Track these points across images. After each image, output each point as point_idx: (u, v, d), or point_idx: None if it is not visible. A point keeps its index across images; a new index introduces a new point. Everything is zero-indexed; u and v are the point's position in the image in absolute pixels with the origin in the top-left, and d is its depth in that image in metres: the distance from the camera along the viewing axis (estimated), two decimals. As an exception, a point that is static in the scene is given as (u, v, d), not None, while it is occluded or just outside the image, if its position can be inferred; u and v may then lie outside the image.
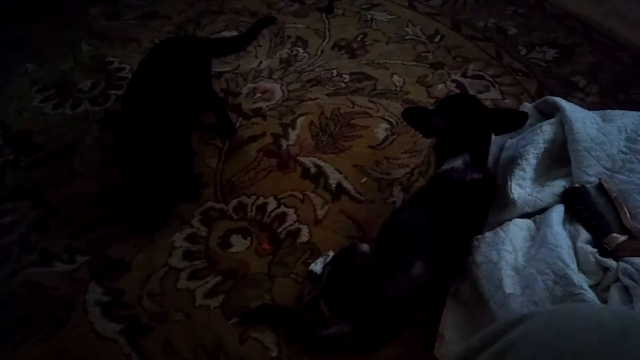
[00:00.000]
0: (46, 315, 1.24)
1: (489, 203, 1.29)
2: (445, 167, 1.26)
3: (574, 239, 1.14)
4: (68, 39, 2.18)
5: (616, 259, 1.08)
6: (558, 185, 1.27)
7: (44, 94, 1.90)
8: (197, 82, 1.57)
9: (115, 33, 2.21)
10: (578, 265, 1.08)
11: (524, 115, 1.30)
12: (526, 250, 1.14)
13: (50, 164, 1.63)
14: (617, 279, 1.05)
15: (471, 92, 1.84)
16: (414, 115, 1.31)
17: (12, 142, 1.71)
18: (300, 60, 2.03)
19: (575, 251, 1.11)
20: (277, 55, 2.05)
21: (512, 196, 1.25)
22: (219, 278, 1.31)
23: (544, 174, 1.33)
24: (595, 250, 1.10)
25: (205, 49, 1.65)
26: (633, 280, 1.01)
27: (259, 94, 1.87)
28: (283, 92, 1.88)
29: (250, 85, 1.91)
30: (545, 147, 1.33)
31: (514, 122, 1.30)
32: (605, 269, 1.07)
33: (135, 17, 2.31)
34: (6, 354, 1.18)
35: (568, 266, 1.04)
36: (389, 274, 1.11)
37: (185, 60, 1.54)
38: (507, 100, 1.80)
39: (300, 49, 2.08)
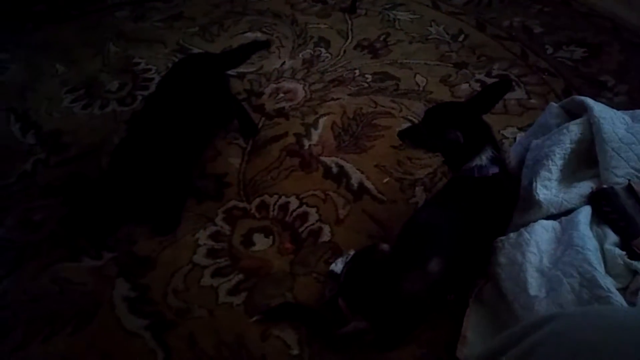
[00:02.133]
0: (74, 310, 1.28)
1: (512, 200, 1.28)
2: (467, 165, 1.24)
3: (601, 241, 1.11)
4: (96, 40, 2.23)
5: (646, 262, 1.05)
6: (585, 187, 1.24)
7: (73, 94, 1.96)
8: (217, 99, 1.61)
9: (142, 35, 2.26)
10: (605, 267, 1.06)
11: (505, 82, 1.29)
12: (551, 252, 1.12)
13: (79, 163, 1.67)
14: (647, 283, 1.03)
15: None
16: (425, 141, 1.31)
17: (44, 142, 1.76)
18: (323, 61, 2.03)
19: (603, 254, 1.09)
20: (300, 55, 2.07)
21: (537, 197, 1.23)
22: (241, 276, 1.32)
23: (570, 175, 1.31)
24: (623, 252, 1.07)
25: (221, 64, 1.69)
26: (663, 284, 0.98)
27: (281, 94, 1.89)
28: (305, 92, 1.89)
29: (273, 85, 1.93)
30: (572, 148, 1.30)
31: (496, 92, 1.28)
32: (634, 272, 1.04)
33: (161, 19, 2.35)
34: (36, 348, 1.21)
35: (595, 269, 1.02)
36: (405, 269, 1.11)
37: (203, 80, 1.57)
38: (532, 100, 1.77)
39: (322, 49, 2.09)
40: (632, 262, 1.04)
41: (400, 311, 1.11)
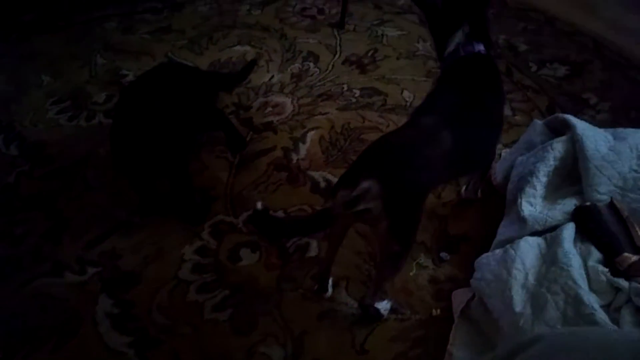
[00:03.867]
0: (56, 326, 1.25)
1: (500, 85, 1.27)
2: (449, 49, 1.23)
3: (585, 258, 1.13)
4: (84, 52, 2.22)
5: (628, 279, 1.07)
6: (569, 204, 1.26)
7: (59, 105, 1.93)
8: (194, 108, 1.58)
9: (130, 47, 2.25)
10: (589, 284, 1.07)
11: None
12: (537, 269, 1.13)
13: (64, 176, 1.65)
14: (630, 300, 1.04)
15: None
16: None
17: (27, 153, 1.73)
18: (312, 75, 2.05)
19: (587, 270, 1.10)
20: (289, 69, 2.08)
21: (522, 214, 1.25)
22: (227, 292, 1.31)
23: (554, 191, 1.33)
24: (606, 269, 1.09)
25: (207, 80, 1.70)
26: (645, 301, 1.00)
27: (270, 108, 1.89)
28: (294, 106, 1.89)
29: (261, 99, 1.93)
30: (555, 165, 1.33)
31: None
32: (617, 289, 1.06)
33: (150, 32, 2.35)
34: (16, 364, 1.19)
35: (579, 286, 1.03)
36: (423, 139, 1.10)
37: (178, 87, 1.54)
38: (517, 117, 1.80)
39: (311, 64, 2.10)
40: (615, 279, 1.06)
41: (414, 177, 1.05)
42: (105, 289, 1.33)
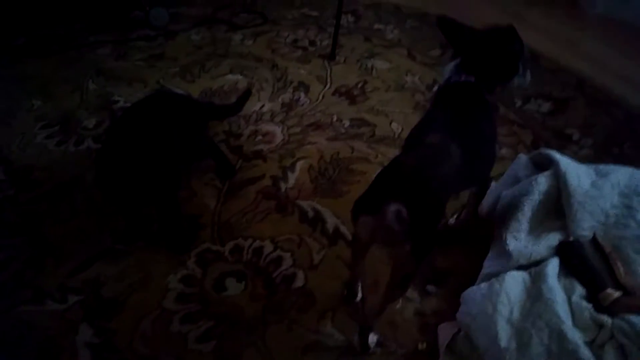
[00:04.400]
0: (34, 356, 1.22)
1: (487, 107, 1.33)
2: (444, 77, 1.33)
3: (569, 294, 1.14)
4: (75, 77, 2.23)
5: (612, 315, 1.08)
6: (553, 238, 1.27)
7: (48, 130, 1.93)
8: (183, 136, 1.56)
9: (122, 73, 2.27)
10: (573, 320, 1.08)
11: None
12: (522, 303, 1.14)
13: (51, 200, 1.63)
14: (613, 336, 1.05)
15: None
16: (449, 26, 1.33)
17: (14, 178, 1.72)
18: (302, 105, 2.07)
19: (571, 306, 1.11)
20: (280, 99, 2.10)
21: (507, 248, 1.26)
22: (211, 322, 1.29)
23: (539, 225, 1.34)
24: (590, 305, 1.10)
25: (200, 109, 1.72)
26: (628, 338, 1.01)
27: (260, 137, 1.91)
28: (284, 135, 1.91)
29: (251, 127, 1.95)
30: (540, 199, 1.34)
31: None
32: (601, 325, 1.07)
33: (143, 58, 2.37)
34: (-9, 396, 1.16)
35: (563, 322, 1.04)
36: (437, 157, 1.15)
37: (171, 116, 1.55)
38: (503, 150, 1.83)
39: (302, 94, 2.13)
40: (598, 315, 1.07)
41: (434, 191, 1.10)
42: (86, 317, 1.30)
